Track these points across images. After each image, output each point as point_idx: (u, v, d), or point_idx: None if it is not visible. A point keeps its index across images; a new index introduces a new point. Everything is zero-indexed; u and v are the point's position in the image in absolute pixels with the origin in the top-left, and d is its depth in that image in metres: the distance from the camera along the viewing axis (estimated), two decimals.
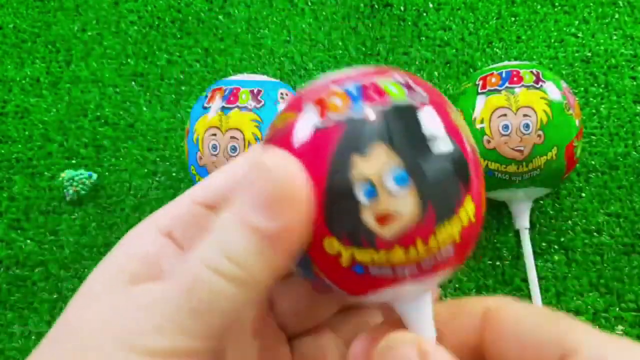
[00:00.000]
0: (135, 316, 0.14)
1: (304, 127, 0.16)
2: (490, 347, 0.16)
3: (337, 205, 0.15)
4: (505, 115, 0.33)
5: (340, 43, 0.45)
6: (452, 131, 0.16)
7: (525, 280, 0.36)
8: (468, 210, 0.16)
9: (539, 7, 0.45)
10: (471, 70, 0.44)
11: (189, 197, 0.18)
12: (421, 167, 0.15)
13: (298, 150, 0.16)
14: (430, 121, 0.16)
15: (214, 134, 0.33)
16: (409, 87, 0.17)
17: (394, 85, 0.16)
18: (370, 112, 0.16)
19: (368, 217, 0.15)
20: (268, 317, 0.20)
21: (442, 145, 0.16)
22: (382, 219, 0.15)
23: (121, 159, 0.42)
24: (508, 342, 0.16)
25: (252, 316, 0.19)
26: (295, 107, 0.17)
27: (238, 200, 0.15)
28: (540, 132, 0.32)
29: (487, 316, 0.17)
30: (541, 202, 0.39)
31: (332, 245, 0.15)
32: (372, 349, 0.17)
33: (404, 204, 0.15)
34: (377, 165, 0.15)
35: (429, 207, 0.15)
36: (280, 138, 0.16)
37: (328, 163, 0.15)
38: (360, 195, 0.15)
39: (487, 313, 0.17)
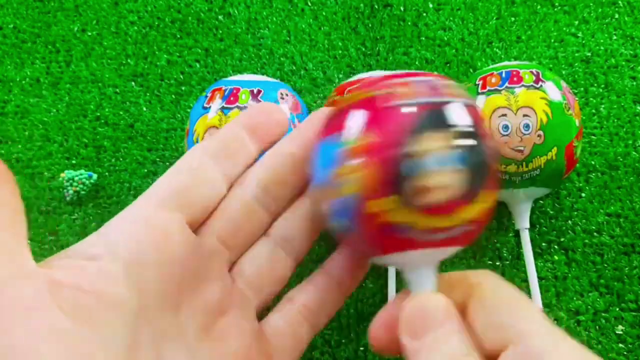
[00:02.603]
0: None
1: (377, 106, 0.19)
2: (471, 321, 0.18)
3: (394, 172, 0.18)
4: (505, 115, 0.33)
5: (340, 43, 0.45)
6: (483, 133, 0.20)
7: (525, 280, 0.36)
8: (490, 196, 0.19)
9: (539, 7, 0.45)
10: (471, 70, 0.44)
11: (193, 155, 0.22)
12: (469, 153, 0.18)
13: (371, 122, 0.19)
14: (473, 120, 0.19)
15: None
16: (458, 93, 0.20)
17: (455, 87, 0.20)
18: (429, 102, 0.19)
19: (417, 185, 0.18)
20: (233, 287, 0.22)
21: (479, 140, 0.19)
22: (426, 189, 0.18)
23: (121, 159, 0.42)
24: (477, 319, 0.18)
25: (218, 290, 0.21)
26: (367, 87, 0.20)
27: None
28: (540, 132, 0.32)
29: (469, 293, 0.19)
30: (541, 202, 0.39)
31: (380, 204, 0.18)
32: (391, 319, 0.19)
33: (453, 179, 0.18)
34: (440, 143, 0.18)
35: (470, 186, 0.18)
36: (348, 115, 0.20)
37: (395, 137, 0.18)
38: (423, 166, 0.18)
39: (469, 290, 0.19)
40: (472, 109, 0.20)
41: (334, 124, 0.20)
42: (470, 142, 0.19)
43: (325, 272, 0.23)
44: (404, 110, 0.19)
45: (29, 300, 0.15)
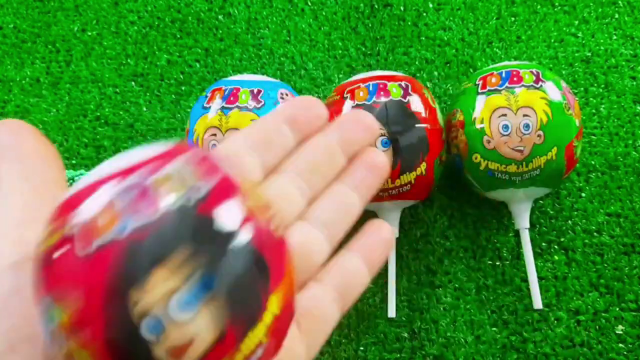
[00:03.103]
0: None
1: (67, 255, 0.13)
2: None
3: (121, 350, 0.13)
4: (505, 115, 0.33)
5: (340, 43, 0.45)
6: (246, 221, 0.14)
7: (525, 280, 0.36)
8: (273, 307, 0.15)
9: (539, 7, 0.45)
10: (471, 70, 0.44)
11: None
12: (210, 282, 0.13)
13: (66, 287, 0.13)
14: (209, 220, 0.14)
15: (214, 134, 0.33)
16: (191, 186, 0.14)
17: (176, 184, 0.14)
18: (139, 228, 0.13)
19: (161, 354, 0.13)
20: None
21: (234, 253, 0.14)
22: (176, 352, 0.13)
23: None
24: None
25: None
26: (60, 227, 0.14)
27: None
28: (540, 132, 0.32)
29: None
30: (541, 202, 0.39)
31: None
32: None
33: (197, 328, 0.13)
34: (158, 293, 0.13)
35: (227, 325, 0.13)
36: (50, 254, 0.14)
37: (100, 302, 0.13)
38: (146, 333, 0.13)
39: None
40: (215, 194, 0.14)
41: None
42: (212, 267, 0.13)
43: (350, 251, 0.23)
44: (99, 257, 0.13)
45: None
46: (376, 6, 0.46)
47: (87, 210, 0.13)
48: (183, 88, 0.44)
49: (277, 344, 0.15)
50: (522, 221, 0.36)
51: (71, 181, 0.40)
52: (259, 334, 0.14)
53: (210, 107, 0.34)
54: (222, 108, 0.34)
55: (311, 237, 0.22)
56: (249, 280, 0.14)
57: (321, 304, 0.21)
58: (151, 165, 0.14)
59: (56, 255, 0.13)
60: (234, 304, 0.13)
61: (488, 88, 0.34)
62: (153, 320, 0.13)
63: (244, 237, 0.14)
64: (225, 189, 0.14)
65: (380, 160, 0.23)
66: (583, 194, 0.39)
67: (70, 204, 0.14)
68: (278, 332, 0.15)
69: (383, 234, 0.23)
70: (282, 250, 0.15)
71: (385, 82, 0.34)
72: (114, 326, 0.13)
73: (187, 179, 0.14)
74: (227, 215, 0.14)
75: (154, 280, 0.13)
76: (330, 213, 0.22)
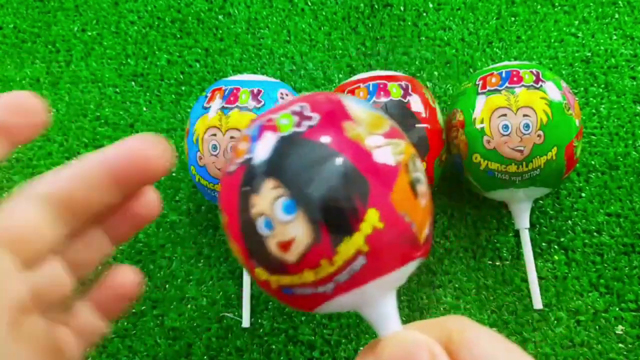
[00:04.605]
0: None
1: (224, 174, 0.18)
2: None
3: (250, 241, 0.17)
4: (505, 115, 0.33)
5: (340, 43, 0.45)
6: (345, 146, 0.17)
7: (525, 280, 0.36)
8: (372, 220, 0.16)
9: (539, 7, 0.45)
10: (471, 70, 0.44)
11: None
12: (306, 193, 0.16)
13: (222, 196, 0.18)
14: (315, 145, 0.17)
15: (214, 134, 0.33)
16: (301, 114, 0.18)
17: (286, 117, 0.18)
18: (261, 150, 0.17)
19: (273, 247, 0.17)
20: None
21: (330, 166, 0.16)
22: (284, 246, 0.16)
23: None
24: None
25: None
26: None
27: None
28: (540, 132, 0.32)
29: (452, 340, 0.17)
30: (541, 202, 0.39)
31: (260, 273, 0.17)
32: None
33: (296, 229, 0.16)
34: (267, 199, 0.16)
35: (322, 229, 0.16)
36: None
37: (237, 205, 0.17)
38: (262, 229, 0.17)
39: (451, 339, 0.17)
40: (316, 129, 0.17)
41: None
42: (309, 179, 0.16)
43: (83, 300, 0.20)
44: (237, 174, 0.17)
45: None
46: (376, 6, 0.46)
47: (235, 142, 0.19)
48: (183, 88, 0.44)
49: (382, 255, 0.17)
50: (522, 221, 0.36)
51: None
52: (357, 242, 0.16)
53: (210, 107, 0.34)
54: (222, 108, 0.34)
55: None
56: (343, 193, 0.16)
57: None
58: (279, 108, 0.18)
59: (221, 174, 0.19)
60: (328, 212, 0.16)
61: (488, 88, 0.34)
62: (265, 219, 0.16)
63: (342, 158, 0.17)
64: (332, 120, 0.17)
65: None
66: (583, 194, 0.39)
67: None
68: (380, 243, 0.17)
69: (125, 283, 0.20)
70: (388, 173, 0.17)
71: (385, 82, 0.34)
72: (244, 223, 0.17)
73: (303, 112, 0.18)
74: (330, 139, 0.17)
75: (265, 189, 0.16)
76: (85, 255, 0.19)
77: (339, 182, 0.16)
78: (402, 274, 0.18)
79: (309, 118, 0.17)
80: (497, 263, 0.38)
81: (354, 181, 0.16)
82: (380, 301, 0.18)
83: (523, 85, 0.33)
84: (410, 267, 0.18)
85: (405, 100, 0.34)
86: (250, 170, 0.17)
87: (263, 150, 0.17)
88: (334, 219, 0.16)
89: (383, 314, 0.18)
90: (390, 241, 0.17)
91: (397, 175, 0.17)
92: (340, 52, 0.45)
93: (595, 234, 0.38)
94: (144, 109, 0.44)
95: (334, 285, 0.17)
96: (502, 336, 0.17)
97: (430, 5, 0.46)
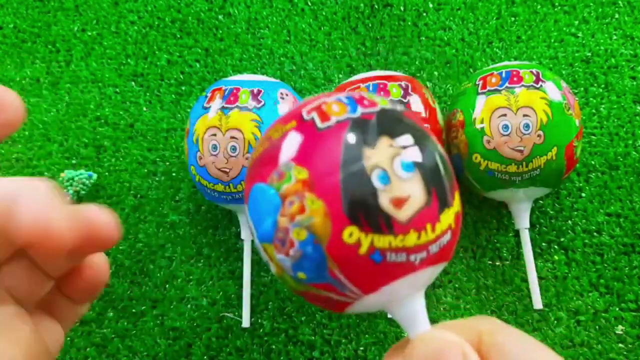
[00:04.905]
0: None
1: (306, 131, 0.17)
2: None
3: (355, 194, 0.16)
4: (505, 115, 0.33)
5: (340, 43, 0.45)
6: (433, 135, 0.19)
7: (525, 280, 0.36)
8: (457, 199, 0.18)
9: (539, 7, 0.45)
10: (471, 70, 0.44)
11: None
12: (422, 157, 0.17)
13: (305, 151, 0.17)
14: (416, 123, 0.18)
15: (214, 134, 0.33)
16: (390, 99, 0.19)
17: (378, 97, 0.18)
18: (366, 112, 0.17)
19: (385, 201, 0.16)
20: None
21: (431, 142, 0.18)
22: (397, 202, 0.16)
23: (121, 159, 0.42)
24: None
25: None
26: (293, 118, 0.18)
27: None
28: (540, 132, 0.32)
29: (482, 341, 0.17)
30: (541, 202, 0.39)
31: (352, 233, 0.16)
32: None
33: (413, 188, 0.16)
34: (385, 154, 0.16)
35: (433, 193, 0.17)
36: (279, 147, 0.17)
37: (340, 157, 0.16)
38: (376, 182, 0.16)
39: (481, 340, 0.17)
40: (410, 114, 0.18)
41: (266, 161, 0.18)
42: (420, 145, 0.17)
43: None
44: (337, 129, 0.17)
45: None
46: (376, 6, 0.46)
47: (317, 104, 0.18)
48: (183, 88, 0.44)
49: (456, 237, 0.18)
50: (522, 221, 0.36)
51: (71, 181, 0.40)
52: (450, 216, 0.17)
53: (210, 107, 0.34)
54: (222, 108, 0.34)
55: None
56: (445, 171, 0.18)
57: None
58: (352, 90, 0.19)
59: (292, 132, 0.17)
60: (437, 181, 0.17)
61: (488, 88, 0.34)
62: (382, 172, 0.16)
63: (439, 146, 0.18)
64: (413, 112, 0.19)
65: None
66: (583, 194, 0.39)
67: (297, 110, 0.18)
68: (458, 226, 0.18)
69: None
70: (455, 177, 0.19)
71: (385, 82, 0.34)
72: (350, 176, 0.16)
73: (391, 98, 0.19)
74: (420, 124, 0.19)
75: (382, 144, 0.17)
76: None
77: (443, 156, 0.18)
78: (440, 271, 0.19)
79: (395, 102, 0.19)
80: (497, 263, 0.38)
81: (447, 161, 0.18)
82: (415, 296, 0.18)
83: (523, 85, 0.33)
84: (443, 267, 0.19)
85: (405, 100, 0.34)
86: (360, 125, 0.17)
87: (368, 113, 0.17)
88: (441, 187, 0.17)
89: (414, 312, 0.18)
90: (459, 229, 0.18)
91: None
92: (340, 52, 0.45)
93: (595, 234, 0.38)
94: (144, 109, 0.44)
95: (426, 256, 0.17)
96: (532, 337, 0.17)
97: (430, 5, 0.46)
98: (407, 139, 0.17)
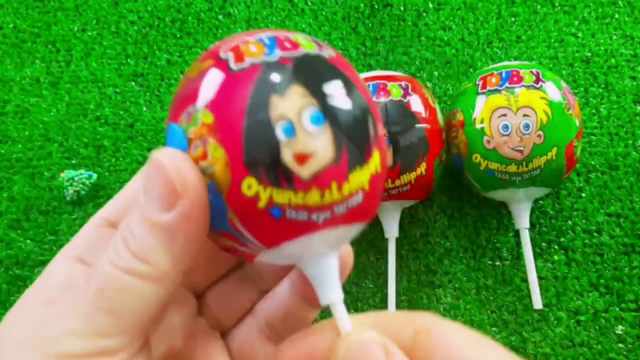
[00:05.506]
0: (53, 325, 0.15)
1: (219, 72, 0.16)
2: None
3: (256, 144, 0.15)
4: (505, 115, 0.33)
5: (340, 43, 0.45)
6: (360, 87, 0.17)
7: (525, 280, 0.36)
8: (376, 159, 0.17)
9: (539, 7, 0.45)
10: (471, 70, 0.44)
11: (92, 221, 0.18)
12: (335, 111, 0.16)
13: (214, 94, 0.16)
14: (340, 72, 0.16)
15: None
16: (317, 43, 0.17)
17: (304, 39, 0.17)
18: (285, 57, 0.16)
19: (287, 155, 0.15)
20: (198, 318, 0.21)
21: (354, 94, 0.16)
22: (301, 157, 0.15)
23: (121, 159, 0.42)
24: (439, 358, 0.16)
25: (181, 321, 0.20)
26: (210, 56, 0.17)
27: (138, 201, 0.16)
28: (540, 132, 0.32)
29: (418, 337, 0.16)
30: (541, 202, 0.39)
31: (250, 185, 0.15)
32: (302, 350, 0.17)
33: (320, 143, 0.15)
34: (294, 104, 0.15)
35: (344, 150, 0.16)
36: (193, 87, 0.16)
37: (246, 103, 0.15)
38: (280, 133, 0.15)
39: (418, 334, 0.16)
40: (339, 62, 0.17)
41: (179, 101, 0.17)
42: (341, 97, 0.16)
43: (290, 281, 0.21)
44: (249, 72, 0.16)
45: None
46: (376, 6, 0.46)
47: (237, 43, 0.16)
48: None
49: (374, 200, 0.17)
50: (522, 221, 0.36)
51: (71, 181, 0.40)
52: (363, 177, 0.16)
53: None
54: None
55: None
56: (363, 126, 0.16)
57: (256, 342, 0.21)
58: (285, 31, 0.17)
59: (208, 72, 0.16)
60: (350, 136, 0.16)
61: (488, 88, 0.34)
62: (288, 123, 0.15)
63: (363, 92, 0.17)
64: (345, 61, 0.17)
65: None
66: (583, 194, 0.39)
67: (216, 48, 0.17)
68: (376, 188, 0.17)
69: None
70: (382, 125, 0.18)
71: (385, 82, 0.34)
72: (254, 124, 0.15)
73: (320, 43, 0.17)
74: (351, 73, 0.17)
75: (293, 94, 0.15)
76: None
77: (366, 110, 0.16)
78: (356, 232, 0.17)
79: (324, 48, 0.17)
80: (497, 263, 0.38)
81: (371, 116, 0.17)
82: (327, 255, 0.17)
83: (523, 85, 0.33)
84: (360, 228, 0.17)
85: (405, 100, 0.34)
86: (272, 70, 0.15)
87: (286, 57, 0.16)
88: (355, 145, 0.16)
89: (324, 273, 0.17)
90: (377, 191, 0.17)
91: (382, 128, 0.18)
92: (340, 52, 0.45)
93: (595, 234, 0.38)
94: (144, 109, 0.44)
95: (329, 216, 0.16)
96: (469, 330, 0.16)
97: (430, 5, 0.46)
98: (324, 88, 0.16)
